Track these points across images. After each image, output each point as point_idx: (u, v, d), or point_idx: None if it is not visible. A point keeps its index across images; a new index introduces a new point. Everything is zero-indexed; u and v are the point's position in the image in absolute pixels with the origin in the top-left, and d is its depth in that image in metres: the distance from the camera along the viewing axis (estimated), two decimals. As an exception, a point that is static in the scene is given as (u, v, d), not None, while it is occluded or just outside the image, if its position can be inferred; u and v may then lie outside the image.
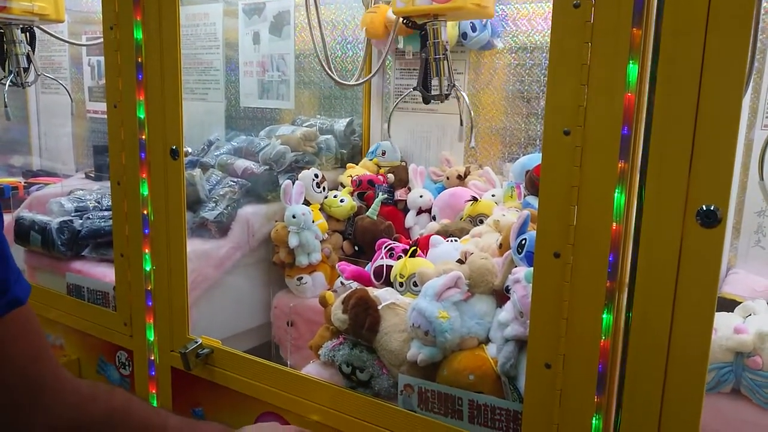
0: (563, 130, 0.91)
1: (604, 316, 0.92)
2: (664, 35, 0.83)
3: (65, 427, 0.75)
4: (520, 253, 1.20)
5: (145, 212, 1.51)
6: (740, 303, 1.23)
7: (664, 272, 0.86)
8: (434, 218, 1.93)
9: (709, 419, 0.87)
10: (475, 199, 1.78)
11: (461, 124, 1.71)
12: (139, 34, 1.44)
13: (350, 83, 2.00)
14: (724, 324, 1.11)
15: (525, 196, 1.65)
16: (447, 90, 1.62)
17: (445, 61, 1.59)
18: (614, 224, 0.90)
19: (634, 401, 0.91)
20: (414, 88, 1.67)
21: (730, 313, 1.20)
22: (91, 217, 1.93)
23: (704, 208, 0.82)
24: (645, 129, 0.87)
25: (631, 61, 0.86)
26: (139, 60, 1.45)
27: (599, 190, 0.90)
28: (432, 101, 1.66)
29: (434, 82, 1.62)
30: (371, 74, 2.08)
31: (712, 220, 0.81)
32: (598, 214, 0.90)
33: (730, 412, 1.11)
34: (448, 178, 1.99)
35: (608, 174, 0.89)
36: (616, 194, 0.89)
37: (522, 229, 1.22)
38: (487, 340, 1.22)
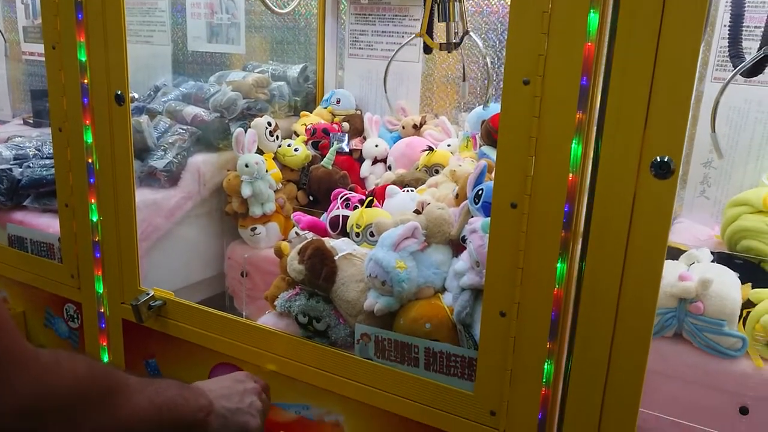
0: (523, 79, 0.91)
1: (559, 265, 0.94)
2: (625, -16, 0.82)
3: (31, 405, 0.69)
4: (476, 203, 1.20)
5: (90, 161, 1.45)
6: (685, 251, 1.28)
7: (618, 222, 0.87)
8: (390, 168, 1.92)
9: (651, 362, 0.91)
10: (430, 148, 1.77)
11: (464, 80, 1.55)
12: (77, -30, 1.35)
13: (283, 11, 1.85)
14: (669, 272, 1.15)
15: (480, 146, 1.65)
16: (457, 38, 1.39)
17: (456, 3, 1.36)
18: (571, 175, 0.90)
19: (585, 347, 0.94)
20: (417, 35, 1.47)
21: (675, 261, 1.25)
22: (31, 165, 1.84)
23: (658, 160, 0.83)
24: (603, 80, 0.87)
25: (592, 10, 0.85)
26: (78, -2, 1.36)
27: (557, 141, 0.90)
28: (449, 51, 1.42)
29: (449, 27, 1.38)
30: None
31: (665, 171, 0.83)
32: (556, 165, 0.91)
33: (672, 355, 1.17)
34: (403, 128, 1.97)
35: (566, 125, 0.89)
36: (573, 145, 0.90)
37: (479, 180, 1.22)
38: (443, 290, 1.23)
